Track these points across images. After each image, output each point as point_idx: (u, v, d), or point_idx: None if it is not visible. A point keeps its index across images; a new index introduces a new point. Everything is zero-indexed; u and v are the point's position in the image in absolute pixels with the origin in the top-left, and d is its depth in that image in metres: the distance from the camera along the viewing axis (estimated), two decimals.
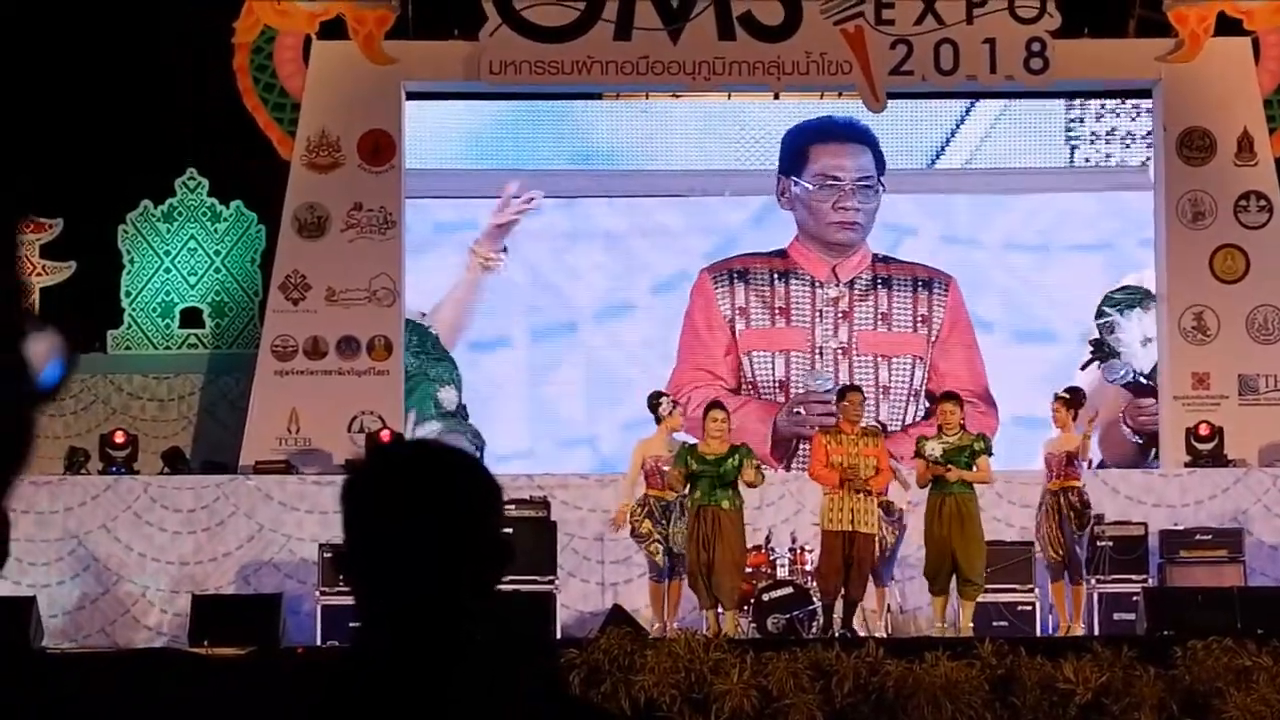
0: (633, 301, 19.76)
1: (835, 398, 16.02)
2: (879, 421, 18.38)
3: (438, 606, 2.56)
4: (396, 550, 2.57)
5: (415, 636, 2.52)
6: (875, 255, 19.62)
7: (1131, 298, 19.57)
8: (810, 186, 19.53)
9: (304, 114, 19.07)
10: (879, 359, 19.46)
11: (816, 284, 19.53)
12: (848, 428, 14.84)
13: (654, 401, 15.49)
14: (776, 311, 19.49)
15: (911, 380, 19.25)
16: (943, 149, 19.95)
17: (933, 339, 19.49)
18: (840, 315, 19.48)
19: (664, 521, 14.94)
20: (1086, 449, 15.66)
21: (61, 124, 19.25)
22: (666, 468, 14.93)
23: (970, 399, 18.48)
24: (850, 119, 19.67)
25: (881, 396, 19.18)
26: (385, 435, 17.74)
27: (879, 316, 19.53)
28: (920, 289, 19.57)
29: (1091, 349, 19.56)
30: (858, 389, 15.64)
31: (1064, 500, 15.25)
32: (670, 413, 15.36)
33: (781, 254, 19.58)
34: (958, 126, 19.97)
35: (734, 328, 19.48)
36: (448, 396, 19.36)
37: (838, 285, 19.52)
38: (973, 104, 19.93)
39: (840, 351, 19.42)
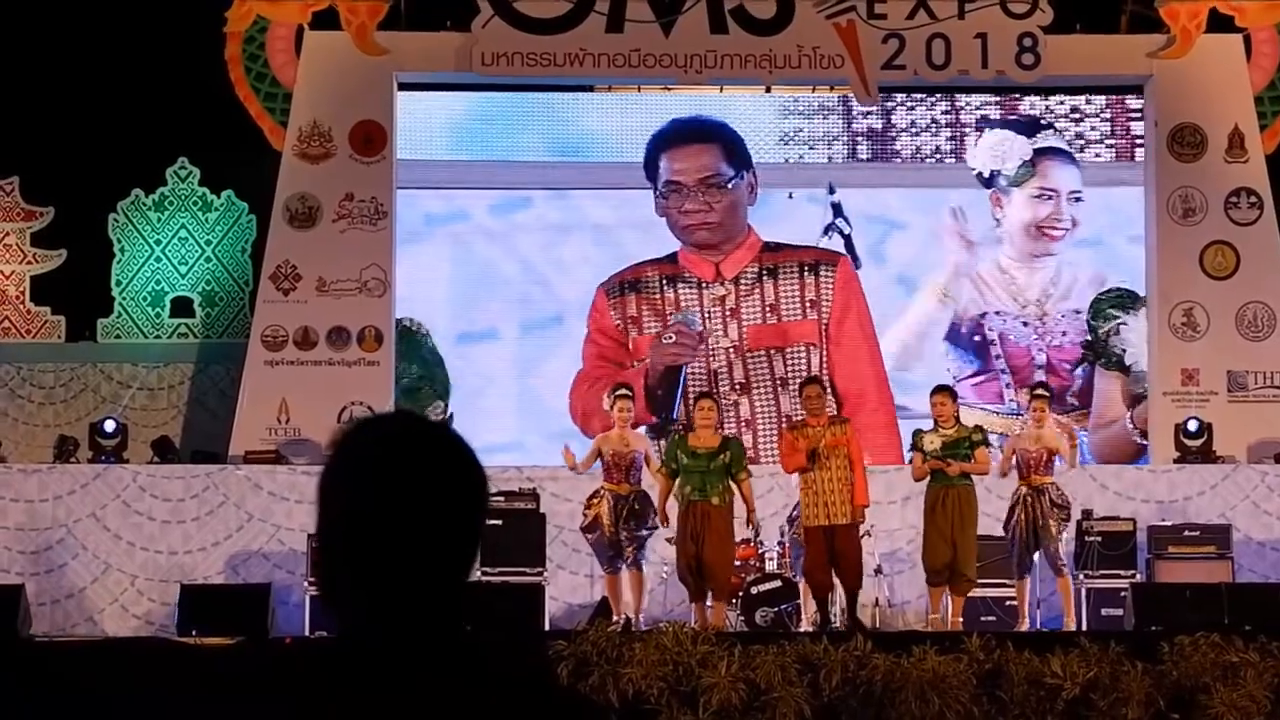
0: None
1: (796, 392, 16.13)
2: (790, 415, 18.34)
3: (425, 595, 2.50)
4: (384, 533, 2.50)
5: (403, 627, 2.49)
6: (765, 244, 19.57)
7: (1126, 300, 19.57)
8: (660, 194, 19.53)
9: (295, 104, 19.06)
10: (771, 351, 19.36)
11: (703, 284, 19.49)
12: (813, 420, 14.81)
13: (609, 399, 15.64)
14: (666, 317, 19.46)
15: (808, 368, 19.06)
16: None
17: (824, 323, 19.43)
18: (728, 313, 19.43)
19: (615, 515, 15.06)
20: (1074, 458, 15.67)
21: (53, 112, 19.25)
22: (622, 462, 15.16)
23: (868, 385, 18.62)
24: (696, 117, 19.66)
25: (780, 389, 19.11)
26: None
27: (767, 308, 19.43)
28: (807, 273, 19.48)
29: (1083, 350, 19.56)
30: (815, 380, 15.63)
31: (1045, 498, 15.19)
32: (612, 407, 15.47)
33: (672, 258, 19.54)
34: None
35: (627, 337, 19.47)
36: (433, 413, 19.37)
37: (723, 283, 19.47)
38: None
39: (733, 350, 19.35)
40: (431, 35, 19.25)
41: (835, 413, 17.27)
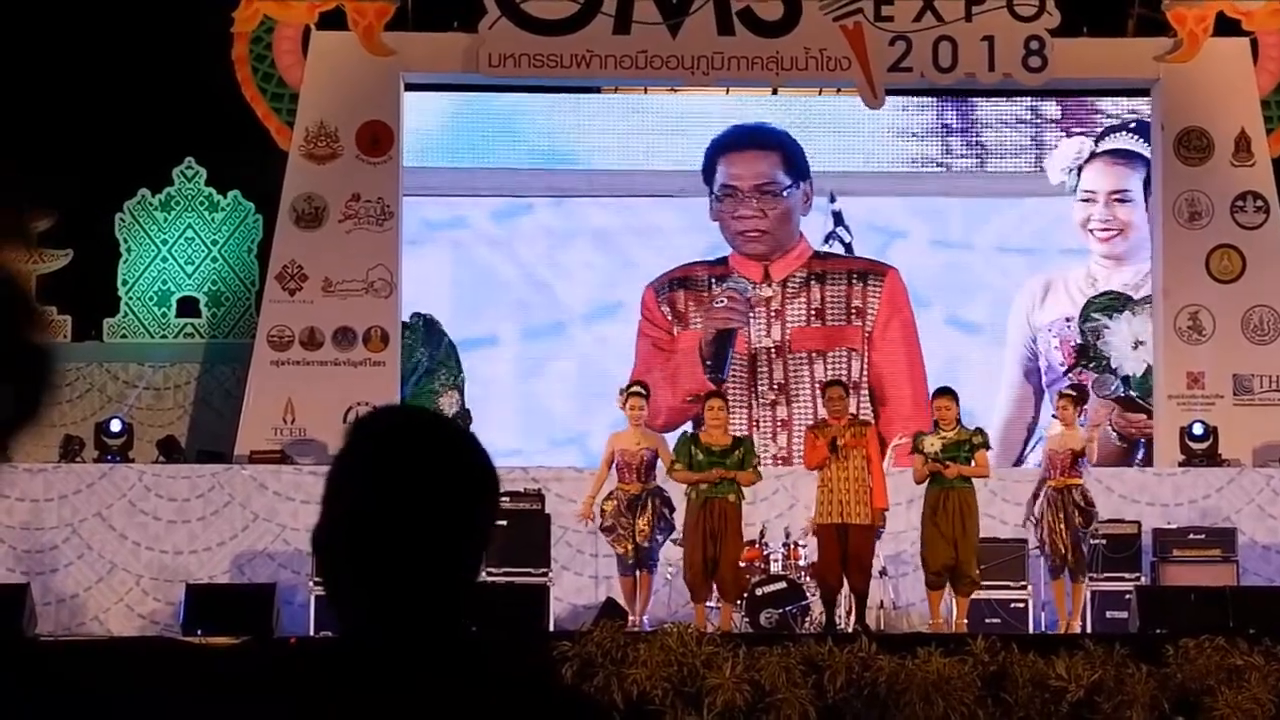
0: (623, 300, 19.78)
1: (819, 393, 16.15)
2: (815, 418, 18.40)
3: (428, 595, 2.48)
4: (386, 533, 2.48)
5: (404, 627, 2.47)
6: (815, 252, 19.64)
7: (1114, 303, 19.60)
8: (715, 198, 19.60)
9: (302, 104, 19.07)
10: (813, 354, 19.44)
11: (751, 285, 19.55)
12: (834, 421, 14.88)
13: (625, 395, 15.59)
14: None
15: (849, 373, 19.17)
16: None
17: (868, 330, 19.48)
18: (773, 314, 19.50)
19: (629, 515, 15.04)
20: (1094, 451, 15.72)
21: (60, 112, 19.26)
22: (633, 461, 15.10)
23: (904, 392, 18.67)
24: (759, 125, 19.73)
25: (819, 392, 19.15)
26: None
27: (812, 312, 19.54)
28: (855, 281, 19.58)
29: (1075, 355, 19.57)
30: (838, 383, 15.71)
31: (1069, 498, 15.28)
32: (624, 405, 15.44)
33: (723, 261, 19.64)
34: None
35: (673, 333, 19.51)
36: (448, 401, 19.39)
37: (770, 285, 19.53)
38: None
39: (774, 350, 19.43)
40: (438, 36, 19.26)
41: (857, 416, 17.29)
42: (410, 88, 19.48)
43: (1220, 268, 19.07)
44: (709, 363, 19.31)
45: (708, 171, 19.67)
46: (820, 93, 19.78)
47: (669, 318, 19.56)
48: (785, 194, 19.68)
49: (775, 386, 19.25)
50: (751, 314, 19.50)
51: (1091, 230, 19.72)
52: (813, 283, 19.59)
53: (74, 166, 18.90)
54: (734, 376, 19.36)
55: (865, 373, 19.28)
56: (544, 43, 18.93)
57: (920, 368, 19.44)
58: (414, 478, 2.49)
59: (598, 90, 19.92)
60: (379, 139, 19.14)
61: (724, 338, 19.40)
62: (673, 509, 15.23)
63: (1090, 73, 19.35)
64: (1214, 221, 19.11)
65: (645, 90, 19.88)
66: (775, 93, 19.80)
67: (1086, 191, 19.73)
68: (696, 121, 19.91)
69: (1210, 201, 19.12)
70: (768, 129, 19.75)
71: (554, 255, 19.88)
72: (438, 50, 19.30)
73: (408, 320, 19.37)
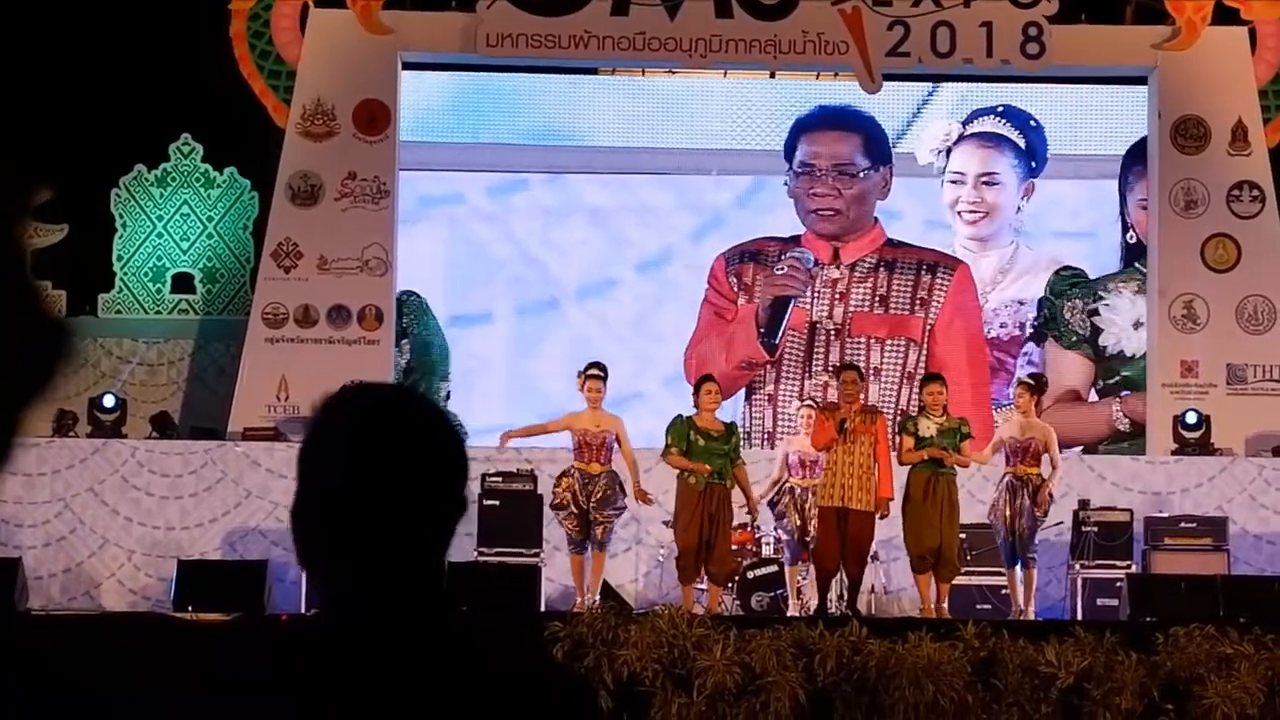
0: (617, 278, 19.79)
1: (833, 375, 16.14)
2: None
3: (406, 568, 2.48)
4: (360, 507, 2.47)
5: (391, 606, 2.47)
6: (889, 239, 19.66)
7: (1080, 280, 19.69)
8: (793, 175, 19.62)
9: (300, 82, 19.05)
10: (871, 340, 19.48)
11: (820, 265, 19.59)
12: (846, 405, 14.82)
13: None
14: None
15: (905, 363, 19.23)
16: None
17: (929, 323, 19.50)
18: (837, 297, 19.52)
19: (584, 494, 15.07)
20: (1057, 456, 15.59)
21: (57, 87, 19.23)
22: (594, 441, 15.15)
23: (964, 385, 18.61)
24: (844, 106, 19.70)
25: (872, 378, 19.17)
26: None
27: (876, 298, 19.57)
28: (924, 273, 19.61)
29: (1035, 327, 19.68)
30: (853, 367, 15.63)
31: (1028, 487, 15.20)
32: (582, 386, 15.38)
33: (796, 239, 19.66)
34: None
35: (737, 304, 19.56)
36: (443, 387, 19.46)
37: (839, 267, 19.56)
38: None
39: (834, 332, 19.46)
40: (437, 15, 19.25)
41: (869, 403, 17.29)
42: (408, 67, 19.47)
43: (1215, 257, 19.08)
44: (763, 329, 19.35)
45: (789, 148, 19.69)
46: (818, 77, 19.78)
47: (735, 289, 19.57)
48: (862, 175, 19.69)
49: (830, 368, 19.26)
50: (815, 291, 19.50)
51: (960, 212, 19.76)
52: (881, 269, 19.62)
53: (71, 141, 18.88)
54: (790, 350, 19.37)
55: (922, 364, 19.22)
56: (542, 23, 18.92)
57: (983, 364, 19.42)
58: (384, 453, 2.49)
59: (595, 71, 19.91)
60: (376, 117, 19.13)
61: (780, 305, 19.42)
62: (625, 492, 15.24)
63: (1088, 60, 19.36)
64: (1210, 210, 19.11)
65: (643, 72, 19.88)
66: (773, 76, 19.80)
67: (955, 173, 19.77)
68: (695, 100, 19.92)
69: (1206, 190, 19.12)
70: (852, 111, 19.75)
71: (548, 232, 19.89)
72: (436, 29, 19.28)
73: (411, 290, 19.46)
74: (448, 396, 19.45)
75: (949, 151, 19.76)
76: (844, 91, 19.63)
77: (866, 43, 18.92)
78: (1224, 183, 19.12)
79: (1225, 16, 19.26)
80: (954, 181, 19.80)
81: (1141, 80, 19.62)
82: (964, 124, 19.83)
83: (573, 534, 15.24)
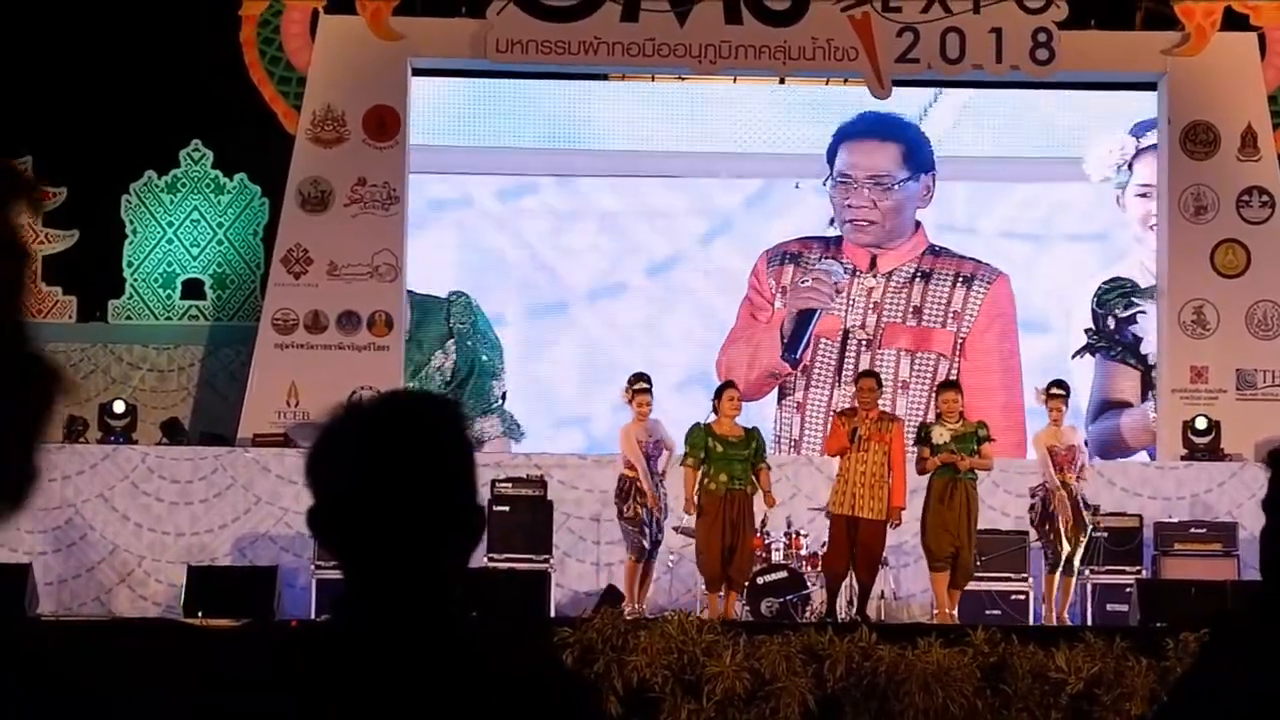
0: (627, 282, 19.79)
1: (853, 381, 16.15)
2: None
3: (419, 578, 2.49)
4: (375, 514, 2.49)
5: (396, 612, 2.48)
6: (930, 246, 19.64)
7: (1124, 288, 19.65)
8: (832, 182, 19.61)
9: (310, 88, 19.07)
10: (901, 353, 19.40)
11: (857, 273, 19.55)
12: (862, 413, 14.82)
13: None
14: None
15: (934, 377, 18.99)
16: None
17: (961, 336, 19.44)
18: (871, 306, 19.48)
19: (645, 506, 15.05)
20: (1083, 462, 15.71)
21: (67, 93, 19.27)
22: (651, 454, 15.11)
23: (994, 400, 18.55)
24: (885, 114, 19.63)
25: (900, 391, 19.12)
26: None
27: (910, 310, 19.49)
28: (960, 284, 19.53)
29: (1088, 338, 19.63)
30: (872, 374, 15.59)
31: (1075, 493, 15.25)
32: (631, 399, 15.36)
33: (838, 241, 19.64)
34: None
35: (773, 305, 19.55)
36: (497, 386, 19.50)
37: (875, 276, 19.52)
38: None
39: (865, 343, 19.41)
40: (446, 21, 19.26)
41: (888, 411, 17.25)
42: (418, 73, 19.48)
43: (1225, 262, 19.07)
44: (785, 340, 19.31)
45: (830, 155, 19.67)
46: (827, 83, 19.78)
47: (773, 291, 19.57)
48: (898, 187, 19.62)
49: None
50: (850, 299, 19.42)
51: (1152, 226, 19.66)
52: (917, 280, 19.55)
53: (81, 147, 18.92)
54: (821, 358, 19.32)
55: (952, 377, 19.04)
56: (552, 29, 18.93)
57: (1017, 377, 19.32)
58: (392, 459, 2.50)
59: (605, 77, 19.92)
60: (386, 123, 19.15)
61: (805, 317, 19.38)
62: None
63: (1098, 66, 19.35)
64: (1219, 216, 19.11)
65: (653, 78, 19.88)
66: (782, 82, 19.80)
67: (1142, 185, 19.70)
68: (704, 106, 19.93)
69: (1216, 196, 19.11)
70: (893, 119, 19.68)
71: (559, 236, 19.90)
72: (445, 35, 19.30)
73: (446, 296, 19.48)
74: (504, 397, 19.48)
75: (1130, 165, 19.68)
76: (854, 98, 19.62)
77: (876, 49, 18.91)
78: (1234, 188, 19.11)
79: (1235, 22, 19.25)
80: (1142, 195, 19.73)
81: (1151, 86, 19.61)
82: (1136, 135, 19.75)
83: (643, 544, 15.15)
